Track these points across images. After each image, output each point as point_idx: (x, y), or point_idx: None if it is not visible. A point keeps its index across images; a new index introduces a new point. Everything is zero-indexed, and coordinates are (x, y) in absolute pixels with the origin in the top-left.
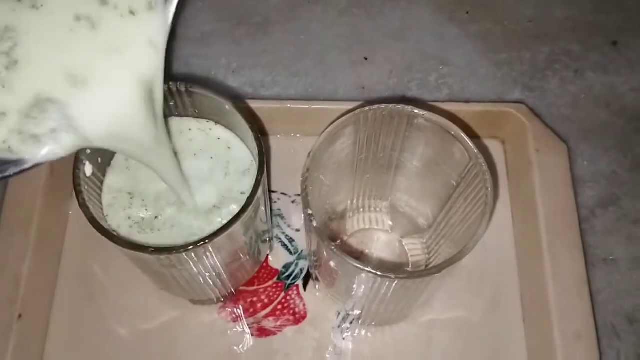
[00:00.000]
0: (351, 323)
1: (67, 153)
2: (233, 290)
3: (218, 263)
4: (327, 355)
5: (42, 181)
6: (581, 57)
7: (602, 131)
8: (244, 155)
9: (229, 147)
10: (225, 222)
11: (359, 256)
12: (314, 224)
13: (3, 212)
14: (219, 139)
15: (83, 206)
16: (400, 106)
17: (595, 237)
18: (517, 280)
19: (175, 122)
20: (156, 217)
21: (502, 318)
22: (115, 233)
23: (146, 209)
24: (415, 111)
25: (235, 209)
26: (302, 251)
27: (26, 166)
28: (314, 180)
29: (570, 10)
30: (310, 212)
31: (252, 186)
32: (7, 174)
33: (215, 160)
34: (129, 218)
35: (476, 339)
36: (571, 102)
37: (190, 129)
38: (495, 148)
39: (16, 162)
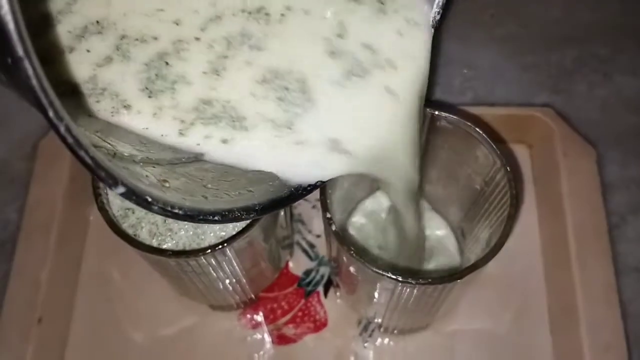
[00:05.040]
0: (373, 331)
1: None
2: (253, 296)
3: (237, 268)
4: None
5: (62, 186)
6: (610, 60)
7: (632, 136)
8: None
9: None
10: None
11: None
12: (333, 227)
13: (24, 216)
14: None
15: (102, 209)
16: None
17: (626, 244)
18: (544, 289)
19: None
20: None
21: (529, 328)
22: (134, 237)
23: None
24: (437, 113)
25: None
26: (322, 257)
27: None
28: (333, 184)
29: (598, 12)
30: (329, 215)
31: None
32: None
33: None
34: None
35: (501, 350)
36: (600, 105)
37: None
38: (521, 153)
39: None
